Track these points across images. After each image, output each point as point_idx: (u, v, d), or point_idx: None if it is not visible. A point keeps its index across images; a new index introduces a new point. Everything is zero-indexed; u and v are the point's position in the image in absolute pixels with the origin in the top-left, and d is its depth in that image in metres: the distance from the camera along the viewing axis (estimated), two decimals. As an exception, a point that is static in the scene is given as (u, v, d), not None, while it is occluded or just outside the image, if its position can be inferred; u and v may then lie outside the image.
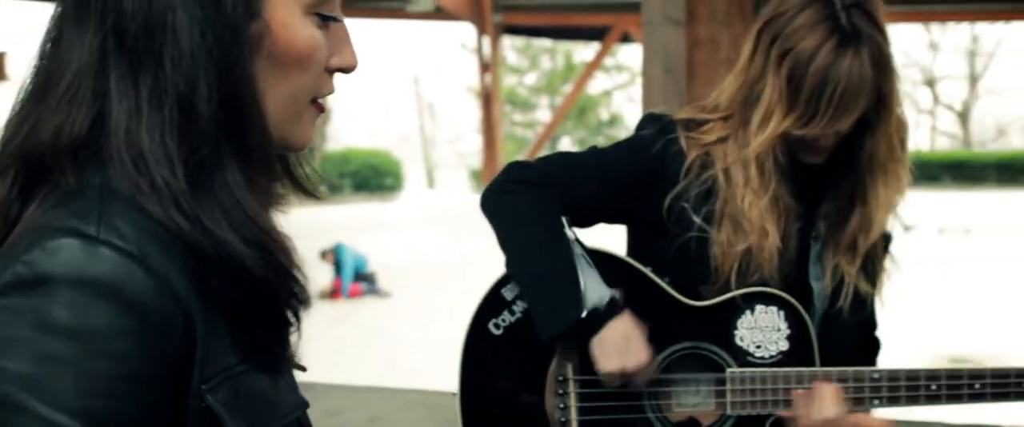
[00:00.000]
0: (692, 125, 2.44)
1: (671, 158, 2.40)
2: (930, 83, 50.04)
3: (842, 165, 2.39)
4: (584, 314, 2.25)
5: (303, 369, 1.30)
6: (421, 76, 60.15)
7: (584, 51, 45.32)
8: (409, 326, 11.72)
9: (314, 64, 1.23)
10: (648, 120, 2.52)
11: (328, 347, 9.98)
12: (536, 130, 47.24)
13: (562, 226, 2.33)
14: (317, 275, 13.99)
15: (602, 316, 2.26)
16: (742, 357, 2.36)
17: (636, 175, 2.41)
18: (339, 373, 7.65)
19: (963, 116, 50.15)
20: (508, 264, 2.38)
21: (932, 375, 2.34)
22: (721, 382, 2.37)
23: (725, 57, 4.20)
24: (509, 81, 48.54)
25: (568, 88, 40.60)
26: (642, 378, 2.30)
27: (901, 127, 2.36)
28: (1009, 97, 53.68)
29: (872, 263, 2.46)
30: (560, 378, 2.37)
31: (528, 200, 2.37)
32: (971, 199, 32.40)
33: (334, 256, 14.45)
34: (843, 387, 2.32)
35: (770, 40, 2.28)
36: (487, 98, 30.85)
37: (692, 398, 2.42)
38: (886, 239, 2.49)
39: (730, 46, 4.19)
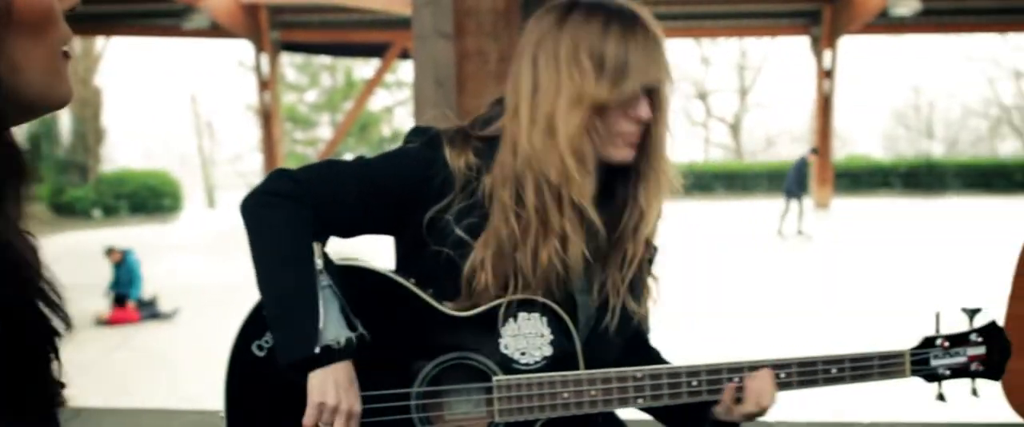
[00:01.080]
0: (459, 138, 2.45)
1: (437, 171, 2.40)
2: (702, 96, 51.67)
3: (616, 175, 2.44)
4: (317, 350, 2.22)
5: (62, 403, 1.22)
6: (199, 95, 58.71)
7: (364, 68, 45.26)
8: (190, 349, 11.43)
9: (57, 12, 1.18)
10: (414, 133, 2.51)
11: (106, 373, 9.66)
12: (318, 147, 46.89)
13: (311, 253, 2.29)
14: (93, 299, 13.57)
15: (335, 357, 2.25)
16: (508, 365, 2.37)
17: (399, 187, 2.39)
18: (118, 399, 7.41)
19: (734, 128, 51.94)
20: (257, 283, 2.34)
21: (692, 372, 2.40)
22: (489, 390, 2.39)
23: (494, 69, 4.24)
24: (289, 99, 48.05)
25: (349, 105, 40.42)
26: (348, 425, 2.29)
27: (669, 138, 2.42)
28: (776, 109, 55.96)
29: (639, 279, 2.51)
30: None
31: (283, 217, 2.33)
32: (744, 207, 33.58)
33: (121, 256, 13.97)
34: (607, 387, 2.37)
35: (570, 47, 2.30)
36: (267, 116, 30.47)
37: (463, 407, 2.43)
38: (651, 252, 2.54)
39: (499, 58, 4.24)
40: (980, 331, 2.44)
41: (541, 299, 2.37)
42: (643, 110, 2.31)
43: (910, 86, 67.87)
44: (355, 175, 2.42)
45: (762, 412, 2.39)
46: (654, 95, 2.32)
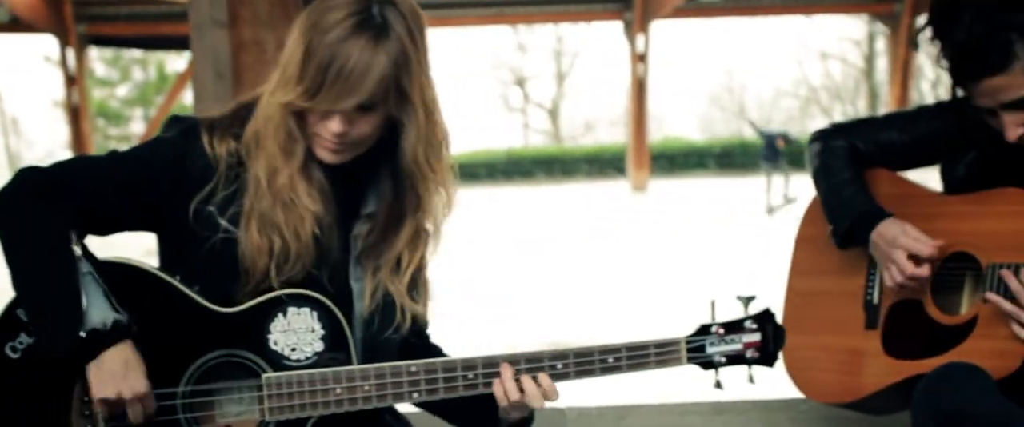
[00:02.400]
0: (219, 125, 2.38)
1: (194, 160, 2.33)
2: (520, 83, 52.08)
3: (379, 173, 2.41)
4: (83, 334, 2.14)
5: None
6: (2, 91, 56.53)
7: (177, 61, 44.21)
8: None
9: None
10: (171, 122, 2.43)
11: None
12: (131, 143, 45.59)
13: (69, 241, 2.21)
14: None
15: (103, 340, 2.17)
16: (277, 361, 2.32)
17: (154, 178, 2.32)
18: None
19: (553, 113, 52.51)
20: (13, 281, 2.23)
21: (468, 364, 2.37)
22: (259, 388, 2.32)
23: (271, 59, 4.13)
24: (99, 94, 46.69)
25: (162, 99, 39.49)
26: (142, 407, 2.22)
27: (440, 137, 2.40)
28: (594, 94, 56.81)
29: (417, 276, 2.50)
30: (85, 399, 2.24)
31: (35, 212, 2.23)
32: (563, 192, 33.95)
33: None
34: (381, 382, 2.33)
35: (307, 21, 2.27)
36: (75, 112, 29.55)
37: (236, 407, 2.36)
38: (425, 248, 2.52)
39: (276, 48, 4.11)
40: (755, 318, 2.47)
41: (311, 294, 2.32)
42: (333, 125, 2.27)
43: (723, 69, 69.68)
44: (108, 168, 2.33)
45: (524, 405, 2.38)
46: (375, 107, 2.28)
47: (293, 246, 2.32)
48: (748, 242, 16.94)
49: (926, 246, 2.78)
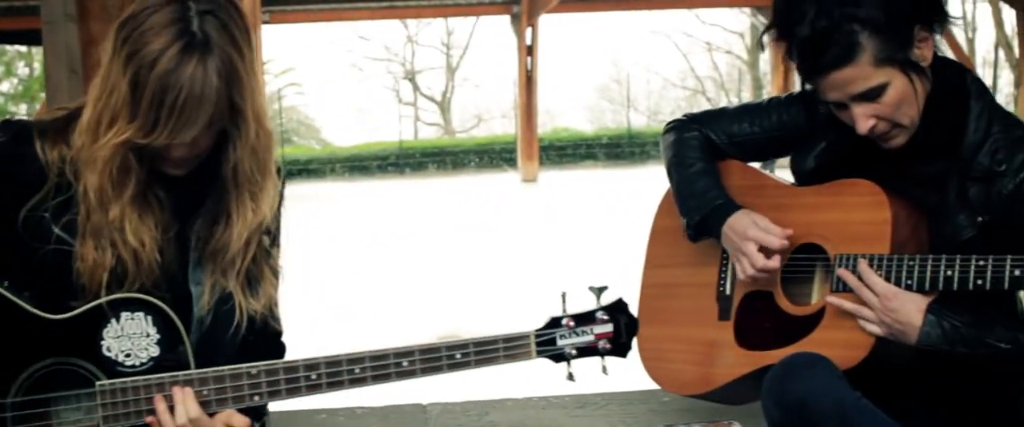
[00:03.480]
0: (52, 130, 2.31)
1: (25, 165, 2.26)
2: (411, 76, 51.84)
3: (211, 178, 2.36)
4: None
5: None
6: None
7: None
8: None
9: None
10: (1, 127, 2.36)
11: None
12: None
13: None
14: None
15: None
16: (111, 368, 2.26)
17: None
18: None
19: (444, 106, 52.35)
20: None
21: (310, 365, 2.34)
22: (94, 397, 2.26)
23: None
24: (-20, 90, 45.55)
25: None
26: None
27: (267, 141, 2.36)
28: (484, 87, 56.83)
29: (255, 275, 2.45)
30: None
31: None
32: (455, 184, 33.91)
33: None
34: (221, 386, 2.28)
35: (123, 40, 2.18)
36: (-49, 109, 28.77)
37: (73, 415, 2.30)
38: (270, 244, 2.49)
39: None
40: (606, 309, 2.46)
41: (144, 297, 2.27)
42: (177, 152, 2.23)
43: (610, 60, 70.07)
44: None
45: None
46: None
47: (131, 266, 2.27)
48: (638, 233, 17.03)
49: (776, 238, 2.80)
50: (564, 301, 2.45)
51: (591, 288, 2.46)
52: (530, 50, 31.42)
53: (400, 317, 9.28)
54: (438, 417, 3.65)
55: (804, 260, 2.87)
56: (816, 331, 2.76)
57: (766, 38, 2.75)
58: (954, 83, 2.70)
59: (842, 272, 2.70)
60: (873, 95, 2.60)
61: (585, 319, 2.45)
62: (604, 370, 2.47)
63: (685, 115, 3.17)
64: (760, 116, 3.04)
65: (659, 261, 3.22)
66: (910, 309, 2.59)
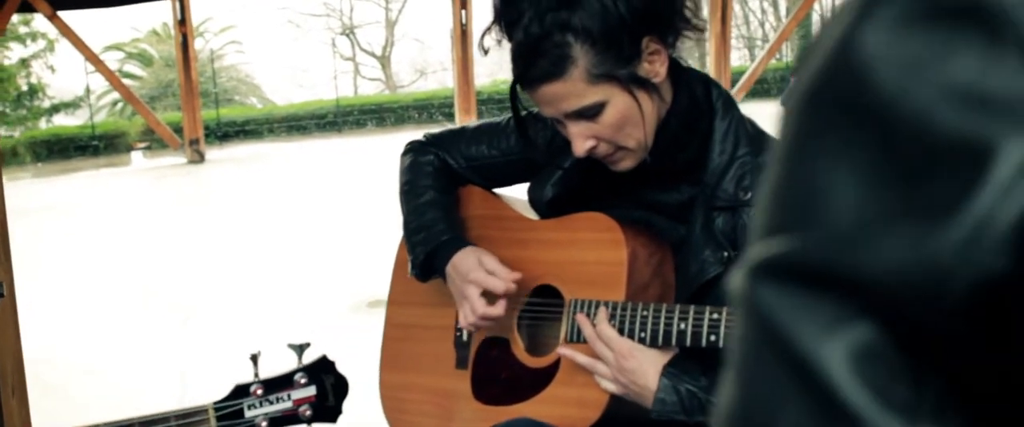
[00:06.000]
0: None
1: None
2: (349, 31, 51.11)
3: None
4: None
5: None
6: None
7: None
8: None
9: None
10: None
11: None
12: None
13: None
14: None
15: None
16: None
17: None
18: None
19: (384, 61, 51.70)
20: None
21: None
22: None
23: None
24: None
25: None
26: None
27: None
28: (425, 41, 56.18)
29: None
30: None
31: None
32: (396, 141, 33.40)
33: None
34: None
35: None
36: None
37: None
38: None
39: None
40: (307, 369, 2.13)
41: None
42: None
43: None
44: None
45: None
46: None
47: None
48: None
49: (500, 282, 2.43)
50: (255, 364, 2.11)
51: (291, 345, 2.12)
52: (464, 3, 30.95)
53: (323, 285, 8.91)
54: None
55: (541, 305, 2.52)
56: (550, 386, 2.42)
57: (487, 40, 2.35)
58: (698, 100, 2.32)
59: (580, 318, 2.34)
60: (589, 114, 2.22)
61: (279, 384, 2.14)
62: None
63: (425, 135, 2.79)
64: (499, 137, 2.66)
65: (401, 298, 2.84)
66: (647, 370, 2.23)
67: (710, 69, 18.02)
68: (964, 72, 0.53)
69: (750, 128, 2.34)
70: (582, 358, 2.31)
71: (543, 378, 2.45)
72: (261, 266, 9.88)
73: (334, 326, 7.18)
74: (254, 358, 2.17)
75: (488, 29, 2.32)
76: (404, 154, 2.75)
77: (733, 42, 18.81)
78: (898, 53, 0.55)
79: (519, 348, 2.52)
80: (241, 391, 2.16)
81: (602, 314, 2.30)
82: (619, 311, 2.30)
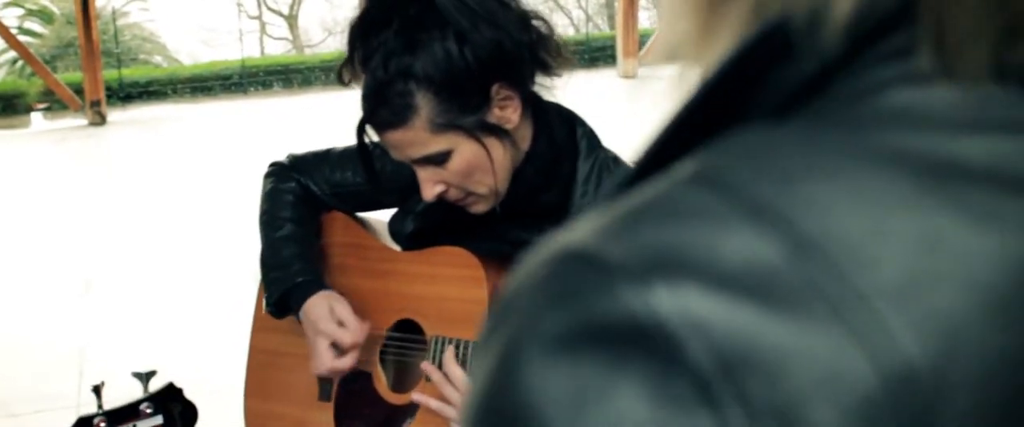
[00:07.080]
0: None
1: None
2: (256, -11, 50.65)
3: None
4: None
5: None
6: None
7: None
8: None
9: None
10: None
11: None
12: None
13: None
14: None
15: None
16: None
17: None
18: None
19: (291, 20, 51.21)
20: None
21: None
22: None
23: None
24: None
25: None
26: None
27: None
28: (333, 1, 55.78)
29: None
30: None
31: None
32: (302, 102, 33.17)
33: None
34: None
35: None
36: None
37: None
38: None
39: None
40: (153, 398, 2.02)
41: None
42: None
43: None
44: None
45: None
46: None
47: None
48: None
49: (348, 336, 2.33)
50: (99, 395, 1.96)
51: (136, 374, 1.97)
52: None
53: (228, 252, 8.68)
54: None
55: (406, 340, 2.43)
56: (412, 423, 2.34)
57: (345, 73, 2.17)
58: (560, 142, 2.23)
59: (425, 366, 2.25)
60: (436, 161, 2.12)
61: (124, 415, 2.05)
62: None
63: (288, 157, 2.63)
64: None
65: (265, 323, 2.67)
66: None
67: (619, 30, 17.97)
68: (632, 413, 0.46)
69: (616, 168, 2.26)
70: (433, 402, 2.22)
71: (402, 415, 2.38)
72: (165, 233, 9.61)
73: (240, 294, 6.98)
74: (97, 390, 2.09)
75: (345, 63, 2.15)
76: (266, 176, 2.60)
77: (642, 2, 18.86)
78: (562, 387, 0.47)
79: (381, 383, 2.43)
80: (84, 423, 2.04)
81: (449, 354, 2.22)
82: (468, 350, 2.22)
